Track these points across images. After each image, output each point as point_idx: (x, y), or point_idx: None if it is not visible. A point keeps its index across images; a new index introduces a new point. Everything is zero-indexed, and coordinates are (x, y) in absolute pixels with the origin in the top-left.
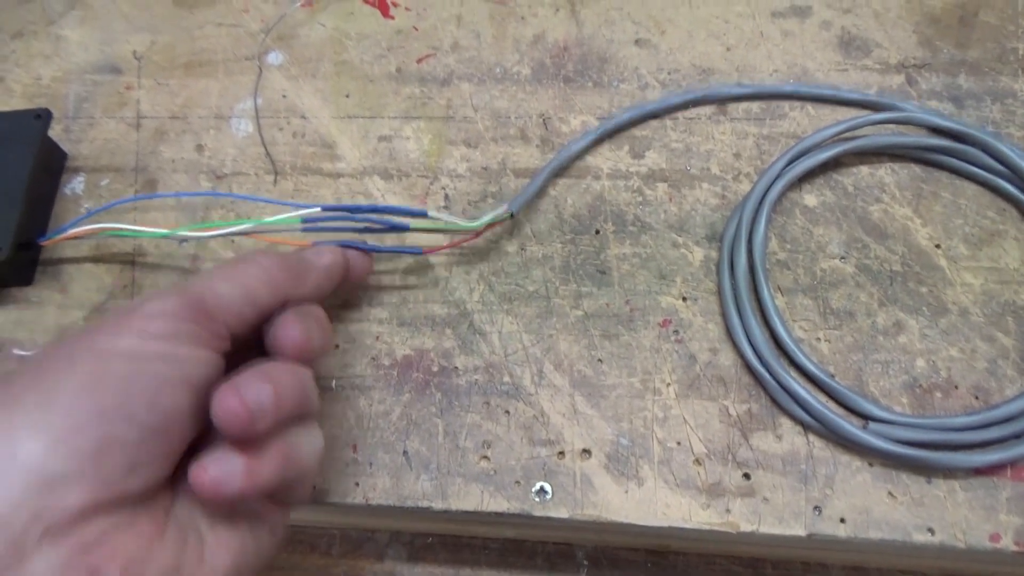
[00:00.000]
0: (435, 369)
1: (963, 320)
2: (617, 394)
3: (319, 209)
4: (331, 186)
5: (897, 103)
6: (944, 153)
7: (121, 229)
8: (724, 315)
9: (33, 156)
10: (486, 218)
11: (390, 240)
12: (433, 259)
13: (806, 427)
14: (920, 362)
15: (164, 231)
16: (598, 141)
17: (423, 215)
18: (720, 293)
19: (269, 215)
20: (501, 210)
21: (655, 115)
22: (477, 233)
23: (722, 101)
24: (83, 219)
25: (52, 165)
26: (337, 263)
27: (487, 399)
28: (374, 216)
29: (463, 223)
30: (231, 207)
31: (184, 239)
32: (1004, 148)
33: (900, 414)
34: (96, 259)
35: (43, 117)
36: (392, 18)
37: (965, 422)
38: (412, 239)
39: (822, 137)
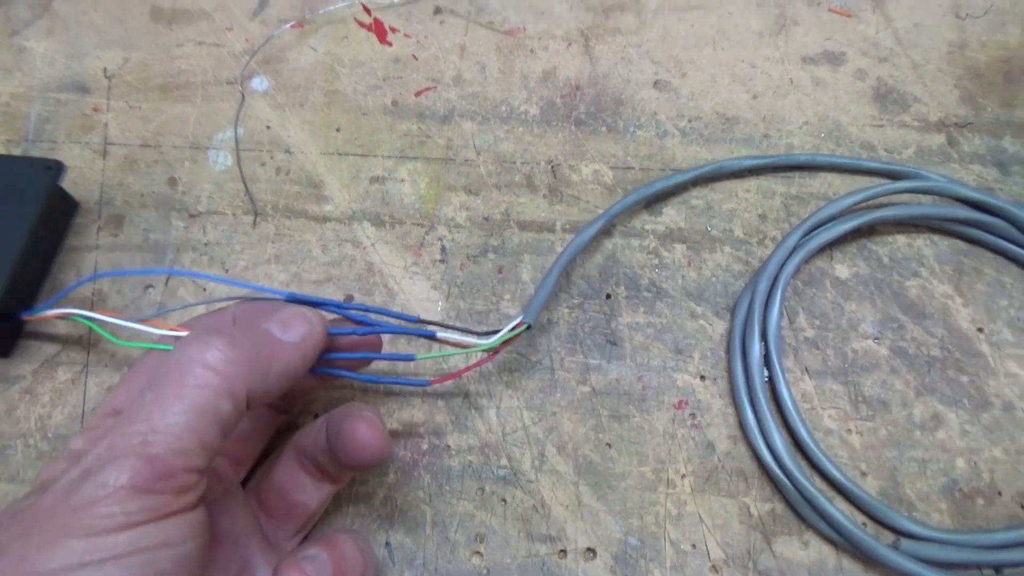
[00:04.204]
0: (424, 447)
1: (1007, 416)
2: (626, 485)
3: (282, 299)
4: (316, 231)
5: (920, 170)
6: (975, 226)
7: (89, 319)
8: (736, 407)
9: (35, 215)
10: (502, 334)
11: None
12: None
13: (831, 541)
14: (960, 462)
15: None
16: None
17: (431, 336)
18: (732, 381)
19: (245, 263)
20: (514, 323)
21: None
22: (494, 351)
23: (737, 173)
24: (73, 288)
25: (58, 219)
26: (312, 336)
27: (482, 484)
28: (358, 314)
29: (474, 342)
30: (204, 250)
31: (145, 333)
32: None
33: (937, 528)
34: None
35: (53, 169)
36: (390, 44)
37: (1006, 538)
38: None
39: (840, 207)
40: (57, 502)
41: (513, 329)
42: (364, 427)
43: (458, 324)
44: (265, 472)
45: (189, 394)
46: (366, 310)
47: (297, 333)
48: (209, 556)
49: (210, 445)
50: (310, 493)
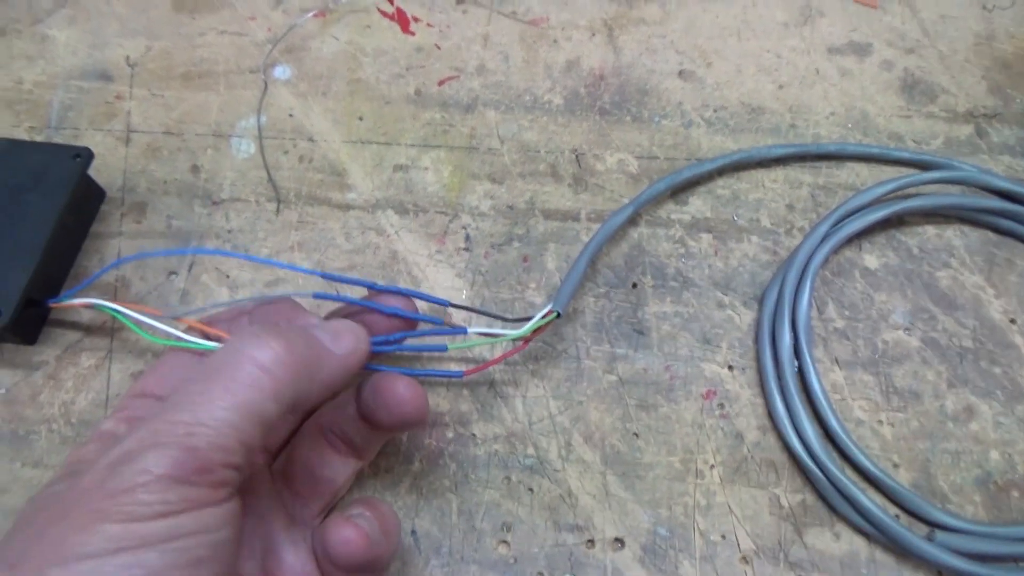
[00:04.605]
0: (450, 436)
1: None
2: (655, 475)
3: (310, 296)
4: (340, 219)
5: (952, 160)
6: (1006, 217)
7: (115, 309)
8: (766, 396)
9: (63, 203)
10: (532, 323)
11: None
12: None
13: (864, 533)
14: (994, 454)
15: (145, 318)
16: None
17: (462, 332)
18: (760, 371)
19: (269, 250)
20: (544, 311)
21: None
22: (525, 340)
23: (765, 163)
24: (99, 275)
25: (85, 207)
26: (358, 351)
27: (508, 473)
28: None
29: (507, 332)
30: (228, 237)
31: (165, 332)
32: None
33: (972, 520)
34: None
35: (82, 157)
36: (412, 34)
37: None
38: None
39: (870, 197)
40: (95, 485)
41: (543, 318)
42: (403, 385)
43: (487, 309)
44: (290, 450)
45: (239, 391)
46: (398, 291)
47: (346, 345)
48: None
49: (250, 444)
50: (336, 468)
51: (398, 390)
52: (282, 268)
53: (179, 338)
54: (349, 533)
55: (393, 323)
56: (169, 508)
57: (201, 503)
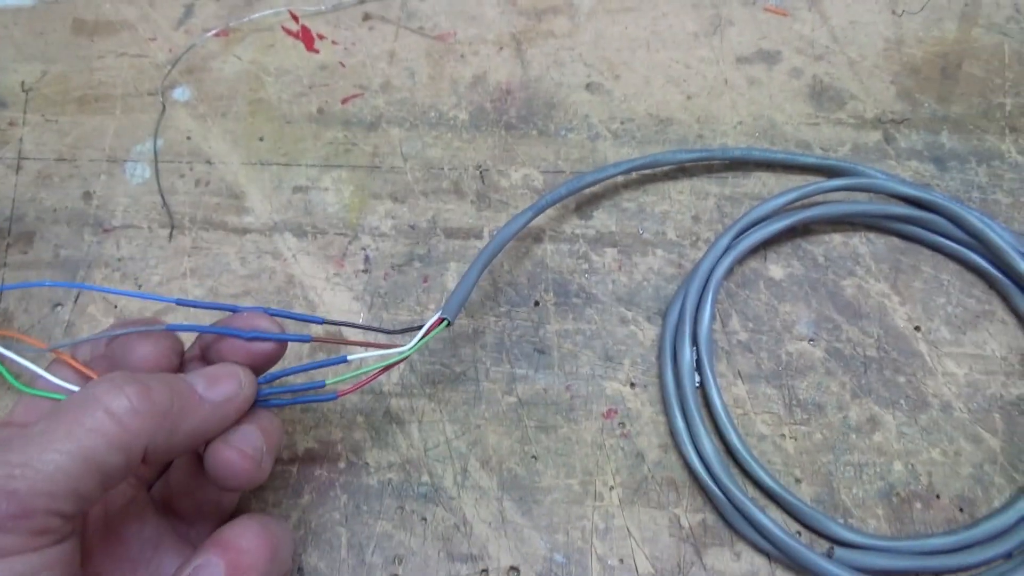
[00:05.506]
0: (342, 466)
1: (945, 416)
2: (553, 499)
3: (163, 329)
4: (235, 243)
5: (858, 166)
6: (912, 223)
7: None
8: (667, 415)
9: None
10: (417, 339)
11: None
12: (344, 330)
13: (764, 552)
14: (898, 466)
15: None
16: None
17: (340, 361)
18: (662, 388)
19: (160, 277)
20: (432, 320)
21: (595, 183)
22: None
23: (668, 166)
24: None
25: None
26: (237, 397)
27: (402, 503)
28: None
29: (392, 351)
30: (117, 266)
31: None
32: (972, 219)
33: (872, 535)
34: None
35: None
36: (317, 52)
37: (944, 543)
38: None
39: (774, 206)
40: None
41: (431, 328)
42: (227, 453)
43: (368, 323)
44: (168, 475)
45: (80, 437)
46: (263, 312)
47: (222, 392)
48: (118, 566)
49: (85, 495)
50: (218, 491)
51: (219, 458)
52: (148, 300)
53: (37, 380)
54: None
55: (260, 349)
56: None
57: (15, 550)
